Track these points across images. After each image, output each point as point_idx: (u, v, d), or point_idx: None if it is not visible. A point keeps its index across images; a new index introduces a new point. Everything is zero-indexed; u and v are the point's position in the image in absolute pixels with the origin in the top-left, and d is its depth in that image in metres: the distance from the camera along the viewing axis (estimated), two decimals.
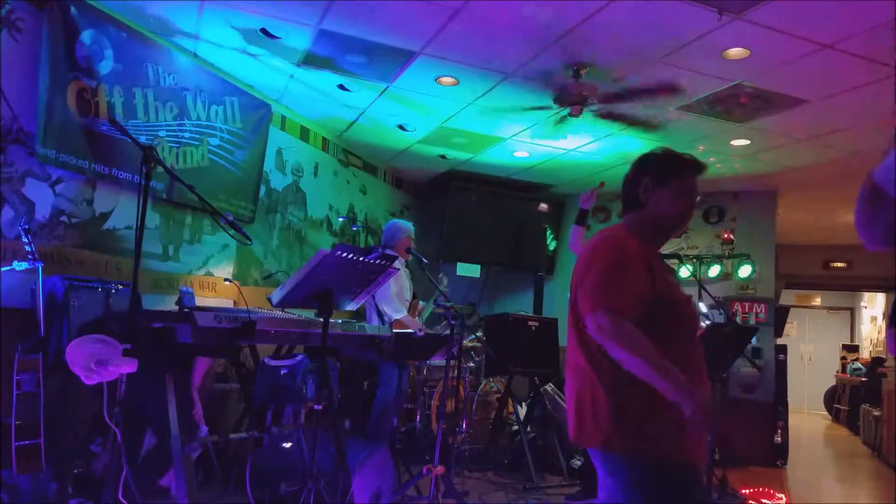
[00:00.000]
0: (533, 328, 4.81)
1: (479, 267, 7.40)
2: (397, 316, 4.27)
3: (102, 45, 3.81)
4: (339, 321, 2.97)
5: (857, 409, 9.32)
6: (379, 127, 5.80)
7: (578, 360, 1.85)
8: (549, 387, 5.27)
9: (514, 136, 5.79)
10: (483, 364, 5.59)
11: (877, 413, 7.65)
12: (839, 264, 9.83)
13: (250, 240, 3.04)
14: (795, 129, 5.11)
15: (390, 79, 4.69)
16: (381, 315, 4.24)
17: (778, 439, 6.10)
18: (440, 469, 3.54)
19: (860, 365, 10.78)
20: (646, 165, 1.98)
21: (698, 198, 2.00)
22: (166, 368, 2.47)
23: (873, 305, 11.99)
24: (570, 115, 4.64)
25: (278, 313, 2.83)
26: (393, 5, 3.61)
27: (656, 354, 1.65)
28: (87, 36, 3.70)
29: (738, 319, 6.44)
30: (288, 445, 3.34)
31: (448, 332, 3.91)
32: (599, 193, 3.65)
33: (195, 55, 4.50)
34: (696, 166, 1.95)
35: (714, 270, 6.73)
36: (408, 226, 4.47)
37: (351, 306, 2.84)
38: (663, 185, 1.91)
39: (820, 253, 9.81)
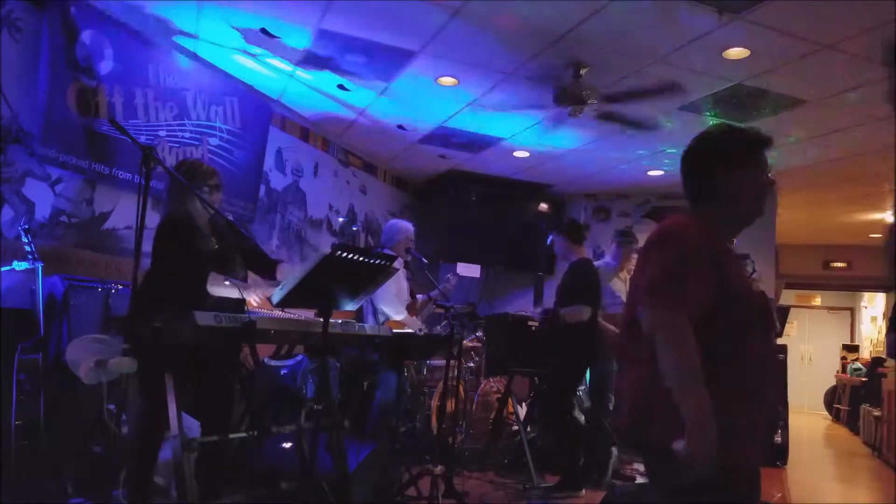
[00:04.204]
0: (533, 328, 4.80)
1: (479, 267, 7.39)
2: (398, 317, 4.26)
3: (102, 45, 3.81)
4: (339, 321, 2.97)
5: (857, 409, 9.31)
6: (379, 127, 5.80)
7: (633, 353, 1.75)
8: None
9: (513, 136, 5.79)
10: (483, 364, 5.58)
11: (877, 413, 7.64)
12: (839, 264, 9.83)
13: (249, 242, 3.04)
14: (795, 129, 5.11)
15: (390, 79, 4.69)
16: (376, 315, 4.24)
17: (778, 439, 6.10)
18: (440, 469, 3.54)
19: (860, 365, 10.77)
20: (711, 150, 1.75)
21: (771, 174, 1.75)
22: (166, 368, 2.47)
23: (873, 305, 11.98)
24: (570, 115, 4.64)
25: (278, 313, 2.83)
26: (393, 5, 3.61)
27: (694, 370, 1.53)
28: (87, 36, 3.70)
29: None
30: (288, 445, 3.34)
31: (448, 332, 3.91)
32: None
33: (195, 55, 4.50)
34: (764, 139, 1.74)
35: None
36: (407, 226, 4.47)
37: (351, 306, 2.84)
38: (734, 168, 1.70)
39: (820, 253, 9.82)
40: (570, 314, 4.24)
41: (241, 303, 2.73)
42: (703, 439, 1.48)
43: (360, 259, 2.53)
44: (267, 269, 3.04)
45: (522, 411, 5.26)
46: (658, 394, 1.63)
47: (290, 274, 2.78)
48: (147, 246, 2.51)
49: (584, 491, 4.15)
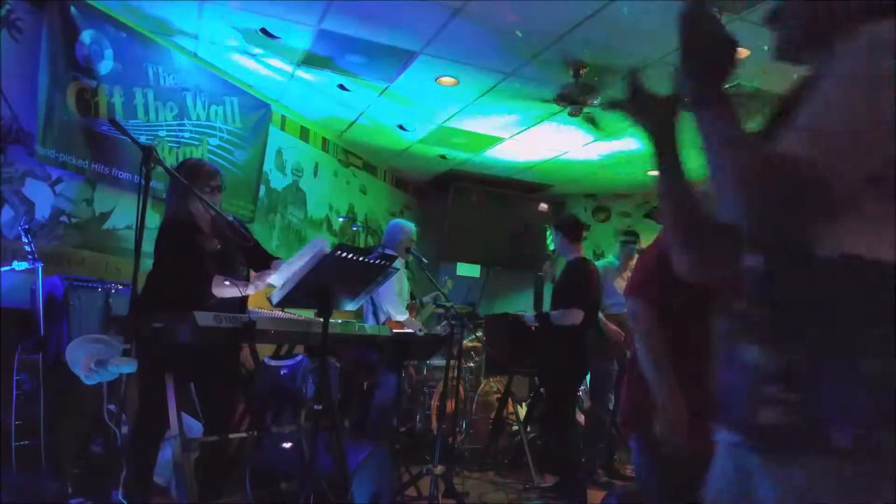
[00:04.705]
0: (533, 328, 4.80)
1: (479, 267, 7.39)
2: (400, 318, 4.26)
3: (102, 45, 3.81)
4: (339, 321, 2.97)
5: None
6: (379, 127, 5.80)
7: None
8: None
9: (514, 136, 5.79)
10: (483, 364, 5.58)
11: None
12: None
13: (250, 241, 3.04)
14: None
15: (390, 79, 4.69)
16: (376, 315, 4.24)
17: None
18: (440, 469, 3.54)
19: None
20: None
21: None
22: (166, 368, 2.47)
23: None
24: (570, 115, 4.64)
25: (278, 313, 2.83)
26: (393, 5, 3.61)
27: (656, 355, 1.73)
28: (87, 36, 3.70)
29: None
30: (288, 445, 3.34)
31: (447, 332, 3.91)
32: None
33: (195, 55, 4.50)
34: None
35: None
36: (409, 226, 4.47)
37: (351, 306, 2.84)
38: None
39: None
40: (562, 318, 4.12)
41: (244, 302, 2.73)
42: (667, 420, 1.66)
43: (360, 259, 2.53)
44: (265, 265, 3.05)
45: (522, 411, 5.26)
46: (638, 384, 1.84)
47: (284, 267, 2.79)
48: (147, 246, 2.51)
49: None
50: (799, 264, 0.90)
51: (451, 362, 3.98)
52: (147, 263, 2.71)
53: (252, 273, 3.07)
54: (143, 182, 2.34)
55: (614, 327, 4.52)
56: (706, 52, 1.01)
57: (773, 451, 0.90)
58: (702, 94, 1.01)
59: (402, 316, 4.30)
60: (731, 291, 0.99)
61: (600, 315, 4.46)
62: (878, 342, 0.84)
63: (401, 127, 5.77)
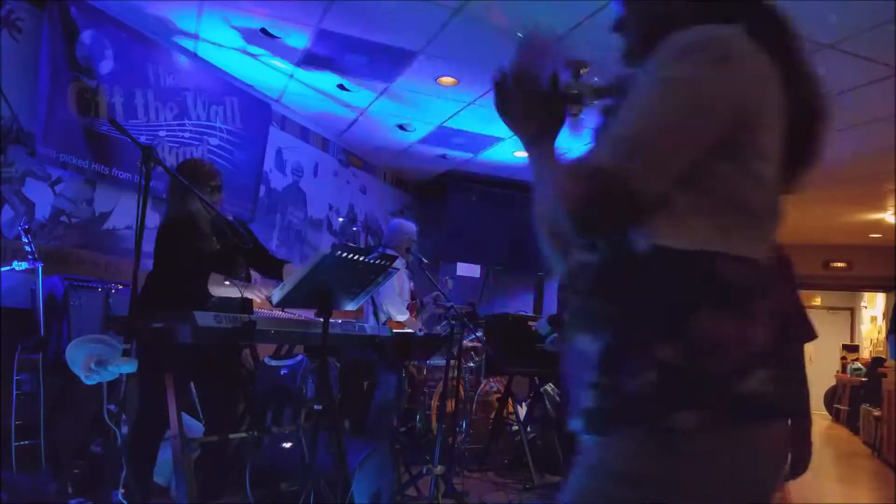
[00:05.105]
0: (533, 328, 4.80)
1: (479, 267, 7.39)
2: (400, 318, 4.26)
3: (102, 45, 3.81)
4: (339, 321, 2.97)
5: (857, 409, 9.32)
6: (379, 127, 5.80)
7: None
8: (549, 387, 5.27)
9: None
10: (483, 364, 5.58)
11: (877, 413, 7.64)
12: (839, 264, 9.82)
13: (250, 242, 3.04)
14: None
15: (390, 79, 4.69)
16: (377, 315, 4.24)
17: None
18: (440, 469, 3.54)
19: (860, 365, 10.77)
20: None
21: None
22: (166, 368, 2.47)
23: (873, 305, 11.98)
24: (570, 114, 4.63)
25: (278, 313, 2.83)
26: (393, 5, 3.61)
27: None
28: (87, 36, 3.70)
29: None
30: (288, 445, 3.34)
31: (447, 332, 3.91)
32: None
33: (195, 55, 4.50)
34: None
35: None
36: (410, 226, 4.47)
37: (351, 306, 2.84)
38: None
39: (820, 253, 9.80)
40: None
41: (245, 303, 2.73)
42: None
43: (361, 259, 2.54)
44: (273, 270, 3.05)
45: (522, 411, 5.26)
46: None
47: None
48: (147, 246, 2.51)
49: None
50: (620, 258, 0.95)
51: (451, 362, 3.98)
52: (147, 263, 2.71)
53: (253, 276, 3.07)
54: (143, 182, 2.34)
55: None
56: (522, 106, 1.18)
57: (589, 432, 0.95)
58: (527, 141, 1.16)
59: (402, 316, 4.30)
60: (572, 285, 1.05)
61: None
62: (673, 328, 0.89)
63: (401, 127, 5.77)
